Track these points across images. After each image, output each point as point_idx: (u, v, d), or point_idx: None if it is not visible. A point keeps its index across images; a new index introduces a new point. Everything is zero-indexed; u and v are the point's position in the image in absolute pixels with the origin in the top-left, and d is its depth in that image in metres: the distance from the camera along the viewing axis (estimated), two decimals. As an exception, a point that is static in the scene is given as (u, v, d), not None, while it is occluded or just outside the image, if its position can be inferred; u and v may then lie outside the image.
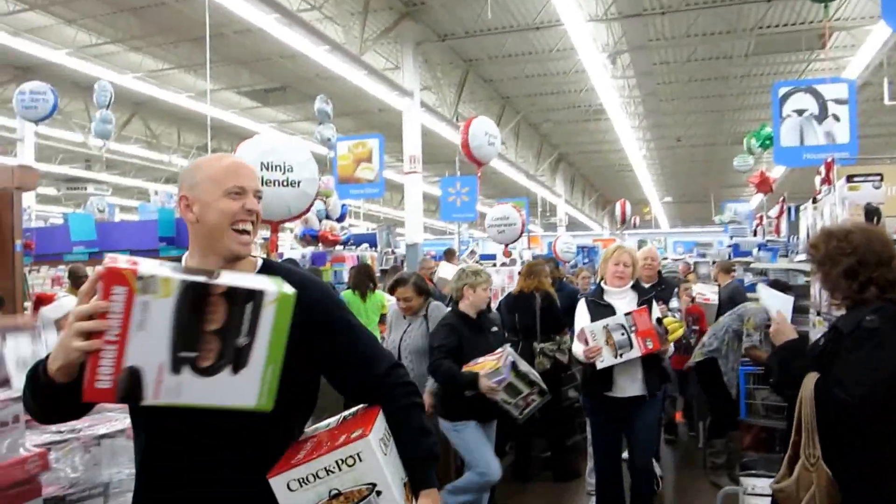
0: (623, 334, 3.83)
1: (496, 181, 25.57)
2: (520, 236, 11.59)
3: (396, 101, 13.57)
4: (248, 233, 1.61)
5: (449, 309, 4.38)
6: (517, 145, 21.29)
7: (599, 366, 3.88)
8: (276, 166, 5.01)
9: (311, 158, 5.27)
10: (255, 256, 1.71)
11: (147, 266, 1.30)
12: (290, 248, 11.97)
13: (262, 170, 4.92)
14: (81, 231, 8.02)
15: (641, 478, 4.20)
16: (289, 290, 1.36)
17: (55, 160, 19.81)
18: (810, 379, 2.24)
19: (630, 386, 4.00)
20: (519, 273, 6.05)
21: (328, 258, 9.28)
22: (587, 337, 3.89)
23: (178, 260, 1.67)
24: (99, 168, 20.48)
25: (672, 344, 4.12)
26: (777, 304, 2.86)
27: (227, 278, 1.33)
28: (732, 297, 6.73)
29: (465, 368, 3.87)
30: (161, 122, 19.08)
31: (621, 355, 3.84)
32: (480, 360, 3.94)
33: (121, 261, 1.29)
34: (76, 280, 7.18)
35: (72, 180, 20.72)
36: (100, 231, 8.18)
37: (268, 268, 1.68)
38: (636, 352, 3.84)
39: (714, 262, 10.14)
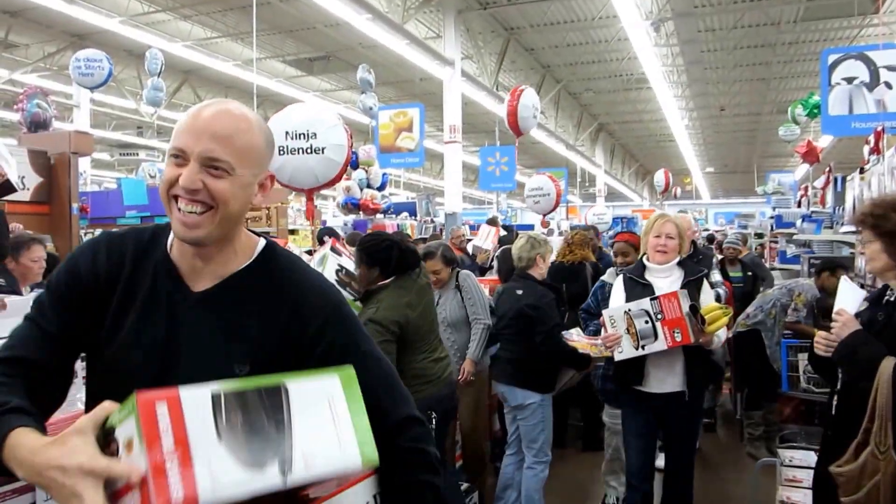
0: (647, 322, 3.22)
1: (535, 151, 25.44)
2: (555, 207, 11.63)
3: (437, 70, 13.61)
4: (195, 213, 1.17)
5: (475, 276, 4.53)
6: (557, 115, 21.13)
7: (617, 357, 3.33)
8: (299, 134, 5.06)
9: (337, 125, 5.22)
10: (258, 235, 1.34)
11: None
12: (332, 215, 12.22)
13: (286, 138, 5.01)
14: (134, 195, 8.38)
15: (676, 487, 3.52)
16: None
17: (109, 126, 20.42)
18: (888, 363, 2.13)
19: (668, 379, 3.36)
20: (567, 243, 5.99)
21: (369, 226, 9.51)
22: (606, 322, 3.36)
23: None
24: (150, 134, 21.04)
25: (718, 335, 3.34)
26: (849, 297, 2.64)
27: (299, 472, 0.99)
28: (753, 270, 6.77)
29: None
30: (209, 90, 19.45)
31: (643, 347, 3.24)
32: (575, 338, 4.17)
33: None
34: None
35: (124, 146, 21.35)
36: (151, 196, 8.54)
37: (267, 257, 1.30)
38: (661, 344, 3.21)
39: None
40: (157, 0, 13.33)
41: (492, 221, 10.47)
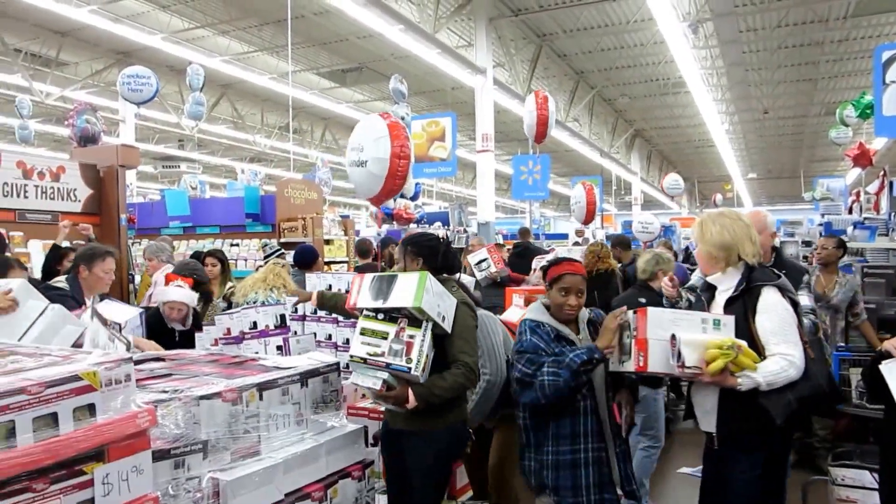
0: (629, 337, 2.78)
1: (569, 159, 25.32)
2: (591, 215, 11.56)
3: (469, 78, 13.67)
4: None
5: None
6: (591, 122, 21.01)
7: (611, 368, 2.90)
8: (353, 147, 5.19)
9: (381, 138, 5.31)
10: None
11: None
12: (365, 225, 12.34)
13: (349, 151, 5.12)
14: (177, 206, 8.58)
15: None
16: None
17: (152, 140, 20.92)
18: None
19: (703, 418, 2.86)
20: (597, 255, 6.03)
21: (402, 236, 9.56)
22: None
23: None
24: (191, 147, 21.49)
25: (750, 376, 2.61)
26: None
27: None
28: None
29: None
30: (246, 103, 19.81)
31: (622, 363, 2.82)
32: None
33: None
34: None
35: (166, 158, 21.85)
36: (193, 207, 8.73)
37: None
38: (630, 365, 2.75)
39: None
40: (196, 17, 13.66)
41: (524, 232, 10.45)
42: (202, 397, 2.12)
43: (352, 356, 2.65)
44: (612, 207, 29.49)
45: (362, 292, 2.77)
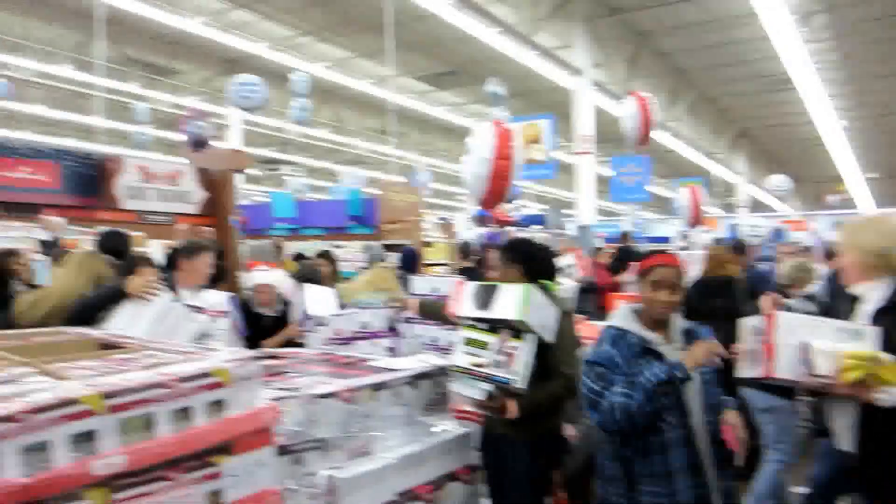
0: (757, 341, 2.62)
1: (670, 160, 24.54)
2: (696, 218, 11.13)
3: (567, 80, 13.48)
4: None
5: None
6: (693, 121, 20.29)
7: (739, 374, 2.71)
8: (469, 150, 5.25)
9: (486, 139, 5.41)
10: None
11: None
12: (465, 228, 12.42)
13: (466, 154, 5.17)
14: (283, 209, 8.89)
15: None
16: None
17: (257, 143, 21.83)
18: None
19: (841, 433, 2.60)
20: (715, 258, 5.77)
21: (500, 238, 9.54)
22: (745, 331, 2.72)
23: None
24: (293, 151, 22.25)
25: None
26: None
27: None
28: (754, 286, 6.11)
29: None
30: (346, 108, 20.33)
31: (745, 369, 2.66)
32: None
33: None
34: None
35: (270, 162, 22.73)
36: (298, 209, 9.02)
37: None
38: (755, 370, 2.60)
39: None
40: (298, 25, 14.14)
41: (625, 236, 10.20)
42: (319, 396, 2.17)
43: (453, 366, 2.63)
44: (716, 210, 28.36)
45: (464, 301, 2.76)
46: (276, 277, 4.57)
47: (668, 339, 2.55)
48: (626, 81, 15.46)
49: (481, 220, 10.16)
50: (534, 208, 23.85)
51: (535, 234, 10.76)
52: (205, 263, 4.09)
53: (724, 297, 5.25)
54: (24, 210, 6.23)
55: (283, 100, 17.42)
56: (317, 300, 3.89)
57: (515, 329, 2.62)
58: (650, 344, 2.51)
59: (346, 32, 14.46)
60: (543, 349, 2.68)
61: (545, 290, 2.96)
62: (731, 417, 2.48)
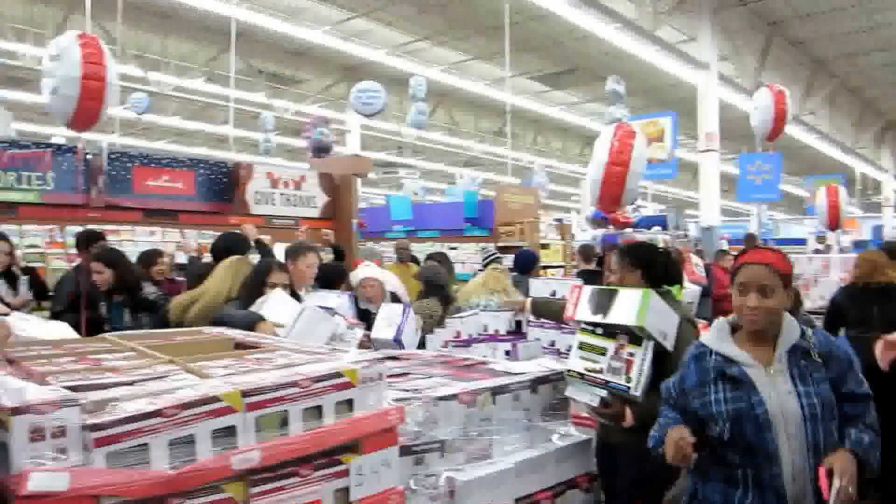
0: None
1: (804, 156, 23.01)
2: (835, 220, 10.38)
3: (690, 74, 12.96)
4: None
5: None
6: (831, 114, 18.93)
7: None
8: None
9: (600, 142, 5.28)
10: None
11: None
12: (580, 230, 12.21)
13: None
14: (400, 211, 9.08)
15: None
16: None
17: (374, 148, 22.47)
18: None
19: None
20: (870, 261, 5.32)
21: (619, 241, 9.31)
22: None
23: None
24: (408, 154, 22.71)
25: None
26: None
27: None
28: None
29: None
30: (461, 110, 20.51)
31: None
32: None
33: None
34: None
35: (386, 165, 23.32)
36: (414, 211, 9.18)
37: None
38: None
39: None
40: (416, 31, 14.41)
41: (750, 238, 9.67)
42: (440, 398, 2.19)
43: (569, 370, 2.58)
44: (857, 210, 26.35)
45: (581, 304, 2.69)
46: (382, 273, 4.64)
47: (765, 358, 2.09)
48: (755, 74, 14.65)
49: (598, 222, 9.95)
50: (653, 209, 23.14)
51: (655, 235, 10.40)
52: (308, 265, 4.25)
53: (881, 304, 4.89)
54: (163, 216, 6.72)
55: (399, 104, 17.85)
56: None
57: (633, 335, 2.54)
58: (730, 367, 2.10)
59: (463, 36, 14.59)
60: (662, 357, 2.58)
61: (667, 295, 2.83)
62: (836, 461, 1.92)
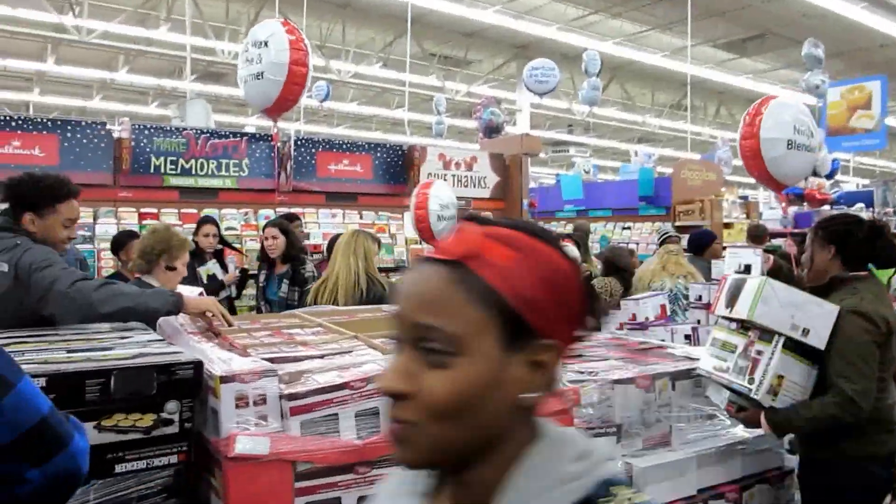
0: None
1: None
2: None
3: (904, 32, 11.50)
4: None
5: None
6: None
7: None
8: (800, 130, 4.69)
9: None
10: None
11: None
12: (769, 207, 11.29)
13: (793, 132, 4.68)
14: (571, 190, 8.96)
15: None
16: None
17: (544, 126, 22.27)
18: None
19: None
20: None
21: (814, 219, 8.52)
22: None
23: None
24: (579, 132, 22.27)
25: None
26: None
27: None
28: None
29: None
30: (636, 84, 19.74)
31: None
32: None
33: None
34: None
35: (556, 143, 23.03)
36: (586, 191, 9.01)
37: None
38: None
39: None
40: (590, 3, 14.00)
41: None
42: (616, 381, 2.13)
43: (698, 368, 2.37)
44: None
45: (720, 297, 2.47)
46: (576, 252, 4.61)
47: None
48: None
49: (791, 199, 9.15)
50: (857, 184, 20.91)
51: (858, 213, 9.39)
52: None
53: None
54: (342, 199, 7.12)
55: (570, 80, 17.52)
56: None
57: (764, 330, 2.27)
58: None
59: (639, 6, 13.96)
60: (817, 356, 2.30)
61: (863, 281, 2.47)
62: None
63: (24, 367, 1.38)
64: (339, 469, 1.48)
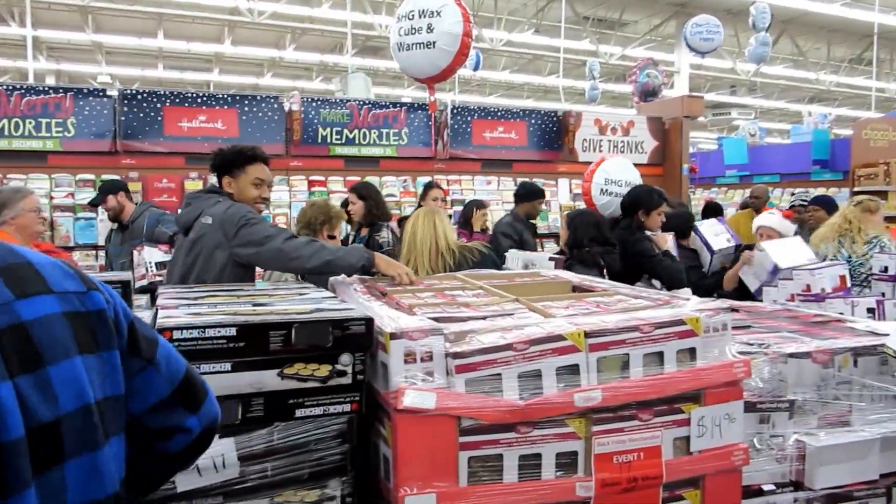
0: None
1: None
2: None
3: None
4: None
5: None
6: None
7: None
8: None
9: None
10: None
11: None
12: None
13: None
14: (734, 155, 8.46)
15: None
16: None
17: (703, 88, 21.02)
18: None
19: None
20: None
21: None
22: None
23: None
24: (743, 92, 20.81)
25: None
26: None
27: None
28: None
29: None
30: (810, 37, 18.08)
31: None
32: None
33: None
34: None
35: (716, 106, 21.69)
36: (750, 155, 8.46)
37: None
38: None
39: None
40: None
41: None
42: (791, 355, 2.02)
43: (884, 345, 2.15)
44: None
45: None
46: (777, 221, 4.43)
47: None
48: None
49: None
50: None
51: None
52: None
53: None
54: (497, 166, 7.19)
55: (732, 37, 16.37)
56: (785, 251, 3.60)
57: None
58: None
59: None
60: None
61: None
62: None
63: (216, 318, 1.55)
64: (502, 427, 1.52)
